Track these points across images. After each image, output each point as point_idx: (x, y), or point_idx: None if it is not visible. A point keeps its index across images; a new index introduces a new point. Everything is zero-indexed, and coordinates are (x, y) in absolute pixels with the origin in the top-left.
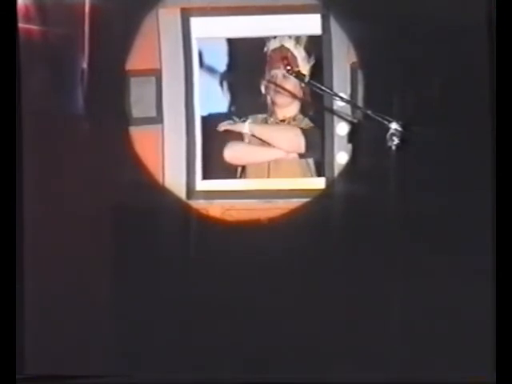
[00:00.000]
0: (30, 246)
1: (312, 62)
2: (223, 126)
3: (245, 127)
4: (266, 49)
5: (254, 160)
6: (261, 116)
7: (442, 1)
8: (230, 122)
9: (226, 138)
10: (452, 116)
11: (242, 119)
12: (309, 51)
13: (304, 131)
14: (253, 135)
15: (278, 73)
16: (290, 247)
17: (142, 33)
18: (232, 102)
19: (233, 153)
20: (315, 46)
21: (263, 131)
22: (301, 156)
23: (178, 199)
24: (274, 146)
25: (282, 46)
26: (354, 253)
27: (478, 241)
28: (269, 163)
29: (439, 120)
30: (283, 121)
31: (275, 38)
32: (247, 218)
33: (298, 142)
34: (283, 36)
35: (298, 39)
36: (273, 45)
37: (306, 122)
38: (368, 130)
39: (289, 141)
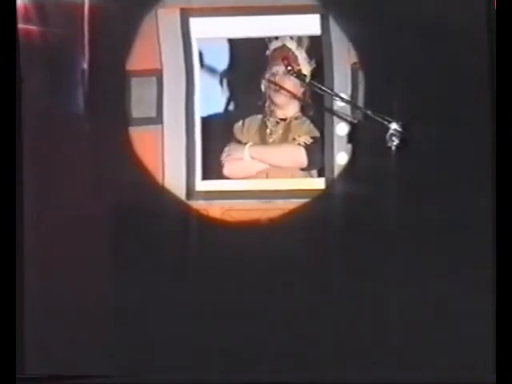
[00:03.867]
0: (30, 245)
1: (313, 64)
2: (224, 156)
3: (245, 153)
4: (267, 48)
5: (253, 174)
6: (259, 117)
7: (441, 1)
8: (229, 147)
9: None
10: (452, 116)
11: (240, 131)
12: (310, 53)
13: (306, 147)
14: (253, 158)
15: (279, 69)
16: (289, 247)
17: (142, 33)
18: (232, 102)
19: (232, 171)
20: (317, 48)
21: (263, 153)
22: (303, 170)
23: (177, 199)
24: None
25: (284, 45)
26: (353, 253)
27: (479, 241)
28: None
29: (439, 120)
30: (284, 119)
31: (277, 38)
32: (247, 218)
33: (301, 160)
34: (285, 36)
35: (300, 41)
36: (275, 44)
37: (307, 127)
38: (368, 130)
39: (291, 160)
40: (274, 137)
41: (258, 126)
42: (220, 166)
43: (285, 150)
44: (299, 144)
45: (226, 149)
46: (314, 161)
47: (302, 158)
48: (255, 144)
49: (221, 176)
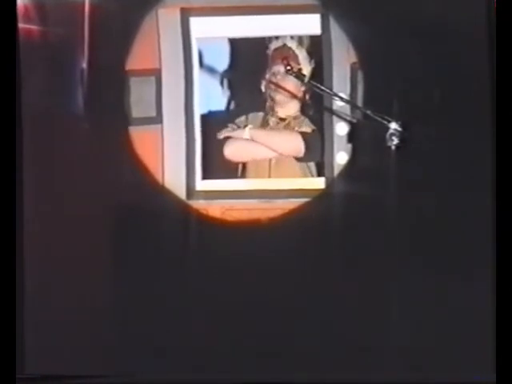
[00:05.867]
0: (30, 246)
1: (313, 64)
2: (223, 134)
3: (245, 133)
4: (268, 48)
5: (254, 157)
6: (261, 114)
7: (441, 1)
8: (231, 127)
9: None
10: (452, 116)
11: (243, 124)
12: (311, 53)
13: (304, 136)
14: (252, 138)
15: (280, 69)
16: (290, 247)
17: (142, 33)
18: (232, 102)
19: (233, 150)
20: (317, 47)
21: (263, 136)
22: (300, 160)
23: (177, 199)
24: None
25: (285, 45)
26: (353, 253)
27: (479, 240)
28: (270, 163)
29: (439, 120)
30: (284, 119)
31: (278, 38)
32: (247, 218)
33: (298, 147)
34: (286, 36)
35: (300, 40)
36: (275, 44)
37: (307, 123)
38: (368, 130)
39: (288, 146)
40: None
41: (260, 122)
42: (220, 143)
43: (284, 136)
44: (298, 132)
45: (225, 130)
46: (311, 151)
47: (299, 145)
48: (256, 127)
49: (221, 160)
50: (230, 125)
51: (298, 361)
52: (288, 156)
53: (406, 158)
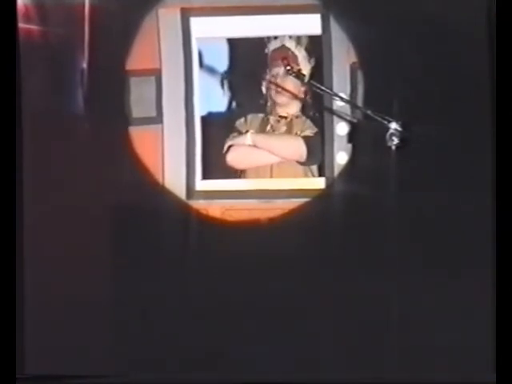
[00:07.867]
0: (30, 246)
1: (313, 63)
2: (227, 144)
3: (247, 138)
4: (266, 49)
5: (256, 163)
6: (260, 115)
7: (441, 1)
8: (232, 136)
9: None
10: (452, 116)
11: (243, 127)
12: (309, 52)
13: (306, 140)
14: (255, 145)
15: (279, 71)
16: (290, 247)
17: (142, 33)
18: (232, 102)
19: (235, 157)
20: (316, 46)
21: (265, 141)
22: (302, 164)
23: (177, 199)
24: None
25: (283, 45)
26: (353, 253)
27: (478, 240)
28: (272, 164)
29: (439, 120)
30: (285, 117)
31: (276, 38)
32: (247, 218)
33: (300, 151)
34: (284, 36)
35: (299, 40)
36: (274, 45)
37: (309, 125)
38: (368, 130)
39: (291, 150)
40: (277, 133)
41: (259, 122)
42: (222, 158)
43: (286, 140)
44: (300, 136)
45: (228, 139)
46: (313, 154)
47: (301, 149)
48: (257, 132)
49: (221, 160)
50: (231, 134)
51: (298, 361)
52: (291, 160)
53: (405, 157)
